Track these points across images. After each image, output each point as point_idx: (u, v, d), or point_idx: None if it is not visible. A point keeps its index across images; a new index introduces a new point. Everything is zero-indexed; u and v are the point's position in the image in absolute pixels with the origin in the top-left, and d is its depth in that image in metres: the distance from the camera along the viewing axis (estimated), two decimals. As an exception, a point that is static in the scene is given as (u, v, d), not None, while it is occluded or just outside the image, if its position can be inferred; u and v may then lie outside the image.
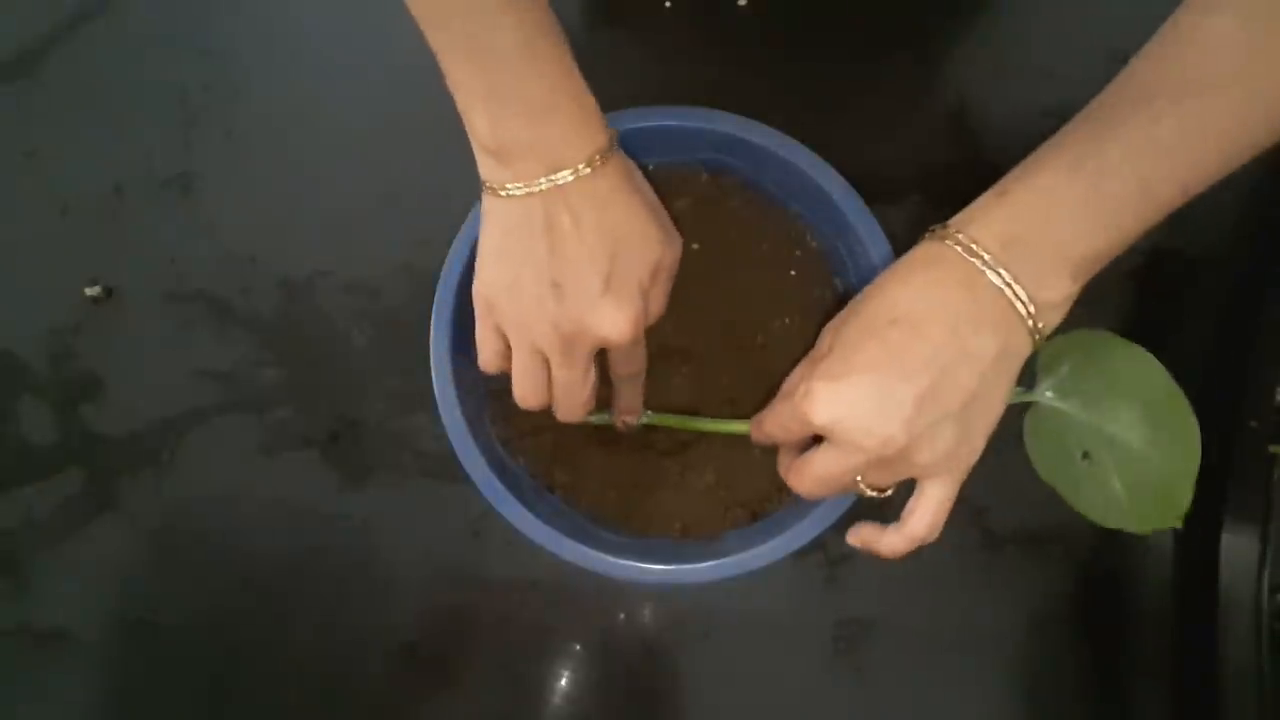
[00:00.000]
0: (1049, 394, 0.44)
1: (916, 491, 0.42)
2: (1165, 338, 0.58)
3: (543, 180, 0.40)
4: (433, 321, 0.48)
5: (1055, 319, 0.40)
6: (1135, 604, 0.56)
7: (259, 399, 0.58)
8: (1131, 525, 0.44)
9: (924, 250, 0.41)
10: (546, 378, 0.45)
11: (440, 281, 0.49)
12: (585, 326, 0.42)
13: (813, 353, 0.45)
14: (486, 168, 0.41)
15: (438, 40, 0.40)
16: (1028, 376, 0.43)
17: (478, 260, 0.43)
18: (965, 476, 0.41)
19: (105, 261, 0.59)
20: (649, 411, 0.50)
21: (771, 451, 0.50)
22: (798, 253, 0.53)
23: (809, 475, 0.43)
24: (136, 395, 0.58)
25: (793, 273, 0.53)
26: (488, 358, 0.45)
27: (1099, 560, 0.56)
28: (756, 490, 0.50)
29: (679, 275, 0.51)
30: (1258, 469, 0.52)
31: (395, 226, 0.59)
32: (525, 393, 0.45)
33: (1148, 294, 0.57)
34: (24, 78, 0.61)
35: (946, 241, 0.39)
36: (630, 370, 0.47)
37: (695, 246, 0.52)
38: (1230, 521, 0.51)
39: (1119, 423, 0.43)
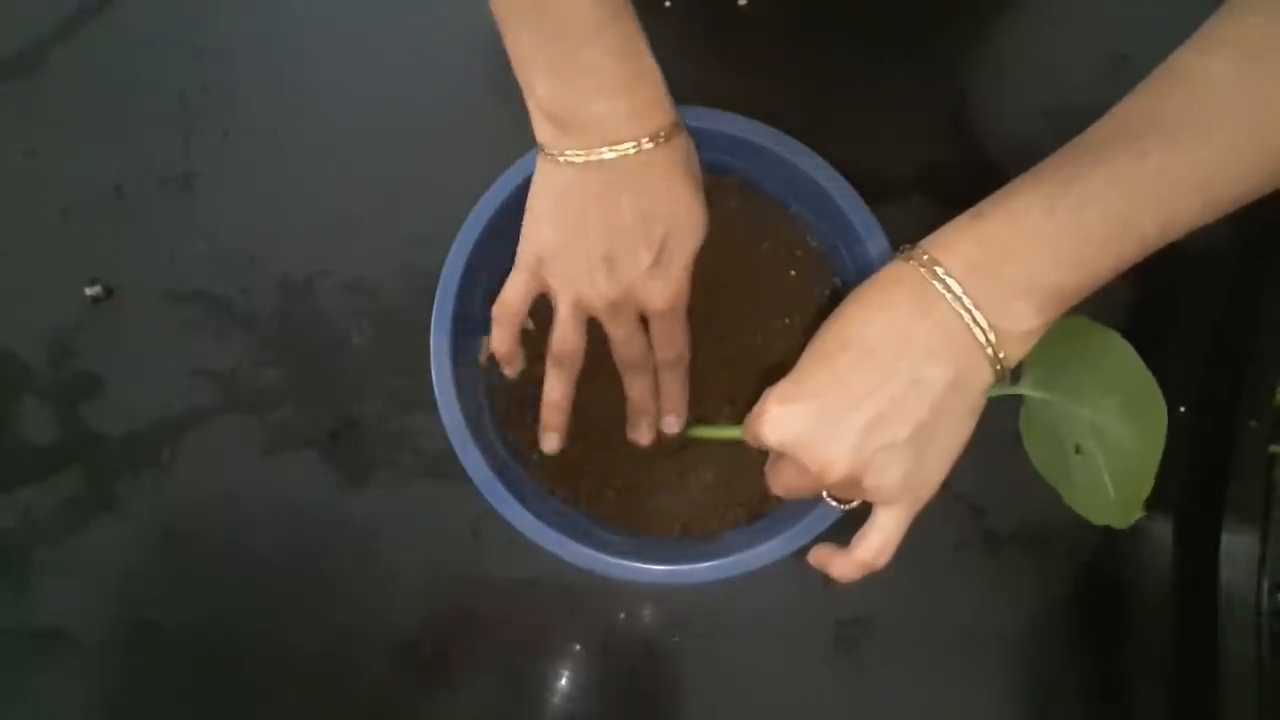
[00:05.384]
0: (1033, 386, 0.43)
1: (870, 517, 0.41)
2: (1165, 336, 0.58)
3: (605, 151, 0.40)
4: (433, 321, 0.48)
5: (1019, 350, 0.38)
6: (1135, 604, 0.56)
7: (259, 399, 0.58)
8: (1115, 519, 0.43)
9: (889, 271, 0.40)
10: (583, 338, 0.46)
11: (440, 281, 0.49)
12: (632, 296, 0.44)
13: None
14: (545, 132, 0.42)
15: (505, 9, 0.40)
16: (1013, 370, 0.43)
17: (526, 217, 0.44)
18: (922, 505, 0.41)
19: (105, 261, 0.59)
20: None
21: (771, 451, 0.50)
22: (798, 253, 0.53)
23: (776, 481, 0.45)
24: (136, 395, 0.58)
25: (793, 273, 0.53)
26: (509, 302, 0.46)
27: (1099, 560, 0.56)
28: (756, 490, 0.50)
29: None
30: (1258, 469, 0.52)
31: (395, 226, 0.59)
32: (563, 347, 0.46)
33: (1147, 292, 0.57)
34: (24, 78, 0.61)
35: (911, 262, 0.38)
36: (674, 352, 0.47)
37: (695, 246, 0.52)
38: (1230, 521, 0.51)
39: (1102, 411, 0.42)
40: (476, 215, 0.49)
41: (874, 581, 0.56)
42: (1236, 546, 0.51)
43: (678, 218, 0.43)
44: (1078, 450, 0.43)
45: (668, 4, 0.61)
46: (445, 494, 0.56)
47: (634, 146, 0.41)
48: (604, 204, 0.42)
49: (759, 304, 0.52)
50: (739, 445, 0.47)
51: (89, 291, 0.58)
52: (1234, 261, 0.57)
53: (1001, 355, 0.38)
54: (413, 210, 0.58)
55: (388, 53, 0.60)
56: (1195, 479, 0.54)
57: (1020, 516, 0.56)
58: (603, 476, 0.51)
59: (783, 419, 0.40)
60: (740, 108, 0.50)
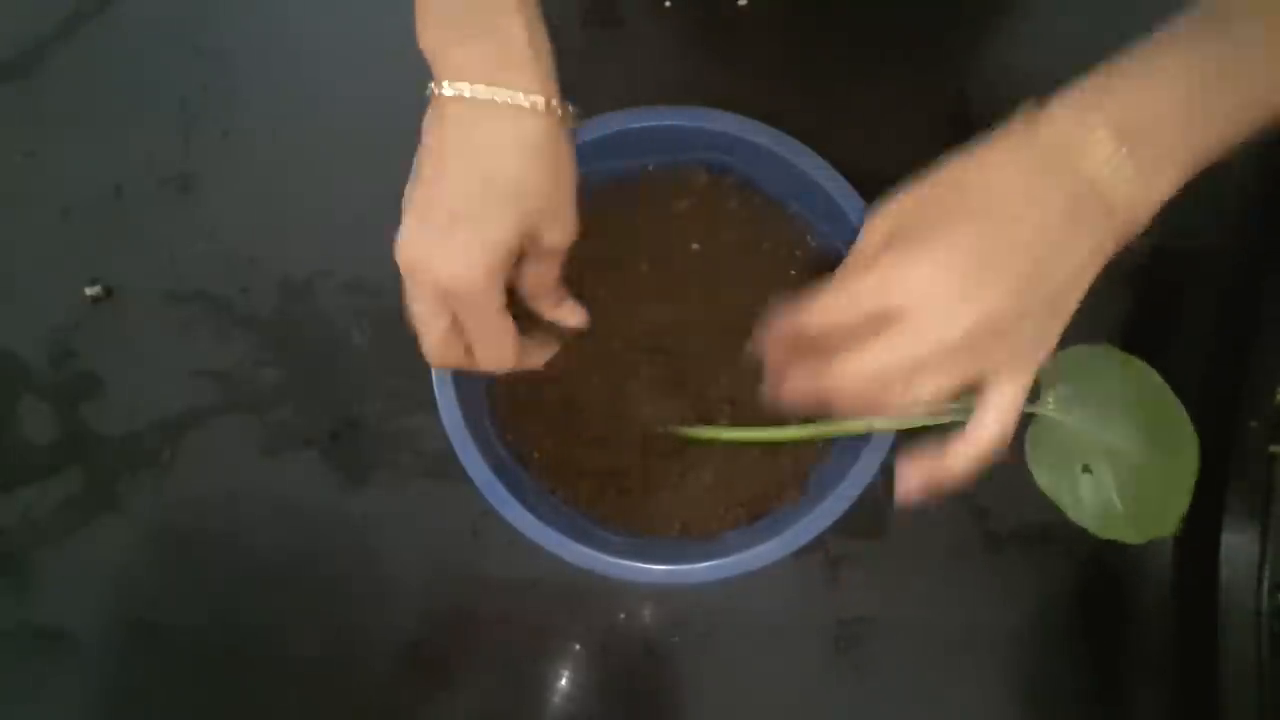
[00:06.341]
0: (1051, 407, 0.44)
1: (981, 397, 0.38)
2: (1165, 338, 0.58)
3: (464, 87, 0.39)
4: (433, 321, 0.48)
5: (1146, 219, 0.36)
6: (1135, 604, 0.56)
7: (259, 399, 0.58)
8: (1128, 535, 0.44)
9: (1022, 134, 0.37)
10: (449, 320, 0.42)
11: (440, 281, 0.48)
12: (417, 261, 0.39)
13: (858, 246, 0.41)
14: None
15: None
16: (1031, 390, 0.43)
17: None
18: (1033, 377, 0.38)
19: (105, 261, 0.59)
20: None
21: (772, 451, 0.50)
22: (798, 253, 0.53)
23: (857, 371, 0.37)
24: (136, 395, 0.58)
25: (793, 273, 0.53)
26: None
27: (1099, 560, 0.56)
28: (756, 490, 0.50)
29: (678, 274, 0.51)
30: (1258, 469, 0.51)
31: (395, 226, 0.58)
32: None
33: (1148, 295, 0.57)
34: (24, 78, 0.61)
35: (1052, 126, 0.36)
36: (479, 339, 0.42)
37: (695, 246, 0.52)
38: (1230, 521, 0.51)
39: (1119, 435, 0.44)
40: (476, 215, 0.49)
41: (874, 581, 0.56)
42: (1236, 546, 0.51)
43: (504, 187, 0.39)
44: (1085, 469, 0.44)
45: (668, 4, 0.61)
46: (445, 494, 0.56)
47: (524, 98, 0.38)
48: (429, 147, 0.40)
49: (759, 304, 0.52)
50: (739, 445, 0.47)
51: (89, 291, 0.58)
52: (1234, 261, 0.57)
53: (1134, 224, 0.36)
54: (413, 210, 0.58)
55: (388, 53, 0.60)
56: (1192, 489, 0.54)
57: (1020, 516, 0.56)
58: (603, 476, 0.51)
59: (921, 272, 0.36)
60: (740, 108, 0.49)
